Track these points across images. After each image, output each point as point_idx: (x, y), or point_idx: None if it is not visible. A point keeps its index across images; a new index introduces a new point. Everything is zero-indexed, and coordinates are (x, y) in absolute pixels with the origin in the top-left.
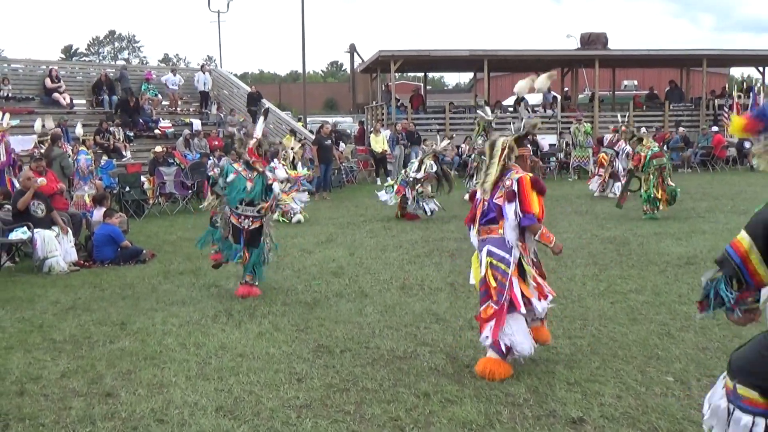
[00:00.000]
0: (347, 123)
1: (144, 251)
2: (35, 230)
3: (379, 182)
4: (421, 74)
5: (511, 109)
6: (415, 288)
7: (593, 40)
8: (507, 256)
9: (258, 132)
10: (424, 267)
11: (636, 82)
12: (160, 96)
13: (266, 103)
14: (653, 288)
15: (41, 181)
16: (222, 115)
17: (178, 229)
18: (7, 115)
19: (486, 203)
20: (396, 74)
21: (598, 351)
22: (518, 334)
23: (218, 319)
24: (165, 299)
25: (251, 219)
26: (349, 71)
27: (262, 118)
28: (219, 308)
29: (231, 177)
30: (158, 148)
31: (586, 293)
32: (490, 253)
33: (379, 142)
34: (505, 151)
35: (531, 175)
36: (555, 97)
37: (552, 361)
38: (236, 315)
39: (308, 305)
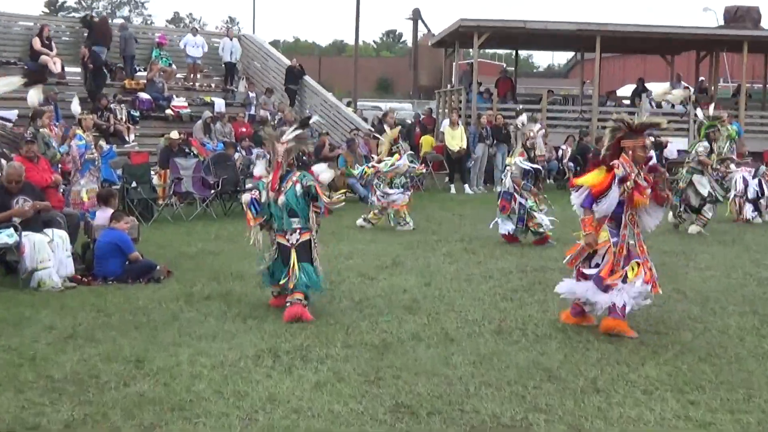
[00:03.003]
0: (406, 111)
1: (158, 267)
2: (23, 233)
3: (453, 189)
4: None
5: (627, 101)
6: (516, 333)
7: (741, 16)
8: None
9: (288, 136)
10: (525, 305)
11: None
12: (174, 66)
13: (311, 83)
14: None
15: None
16: (252, 94)
17: (197, 239)
18: None
19: None
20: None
21: None
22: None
23: (262, 360)
24: (190, 331)
25: (299, 231)
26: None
27: (297, 128)
28: (261, 346)
29: (264, 197)
30: (174, 134)
31: (746, 352)
32: None
33: (457, 137)
34: None
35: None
36: (688, 90)
37: None
38: (284, 357)
39: (377, 349)
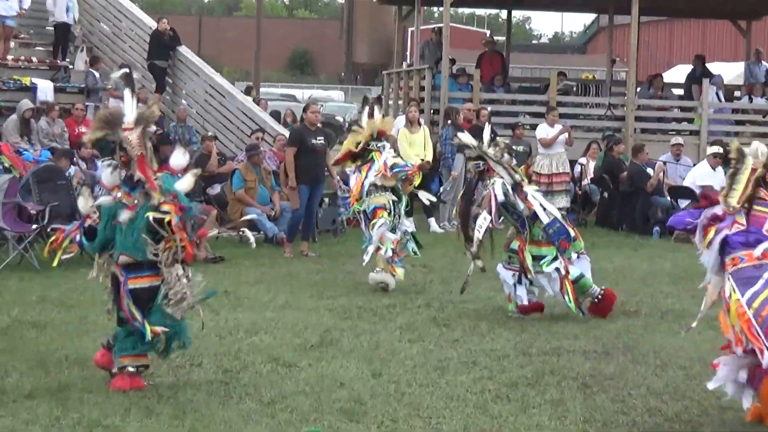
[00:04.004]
0: (335, 102)
1: None
2: None
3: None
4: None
5: (680, 90)
6: None
7: None
8: None
9: (132, 116)
10: (531, 408)
11: None
12: None
13: (189, 57)
14: None
15: None
16: (97, 74)
17: (11, 302)
18: None
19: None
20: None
21: None
22: None
23: None
24: None
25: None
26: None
27: (128, 94)
28: None
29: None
30: None
31: None
32: None
33: (418, 144)
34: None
35: None
36: None
37: None
38: None
39: None
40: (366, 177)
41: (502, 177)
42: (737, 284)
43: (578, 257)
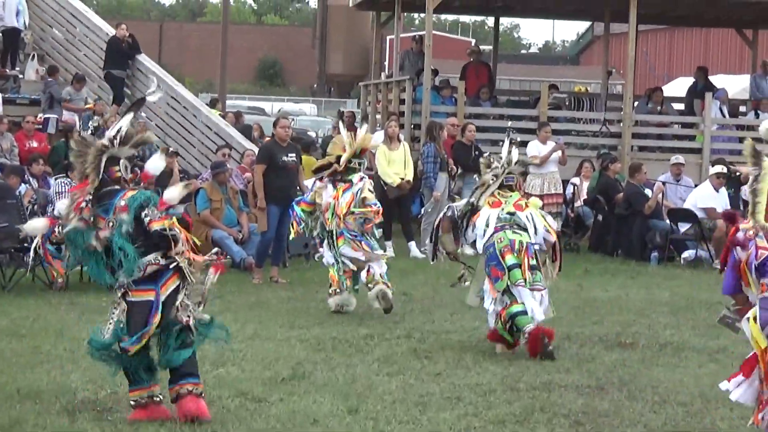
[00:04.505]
0: (307, 117)
1: None
2: None
3: (391, 251)
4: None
5: (680, 105)
6: None
7: None
8: None
9: (122, 124)
10: None
11: None
12: None
13: (150, 66)
14: None
15: None
16: (51, 80)
17: None
18: None
19: None
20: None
21: None
22: None
23: None
24: None
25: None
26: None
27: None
28: None
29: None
30: None
31: None
32: None
33: (397, 162)
34: None
35: None
36: None
37: None
38: None
39: None
40: (342, 196)
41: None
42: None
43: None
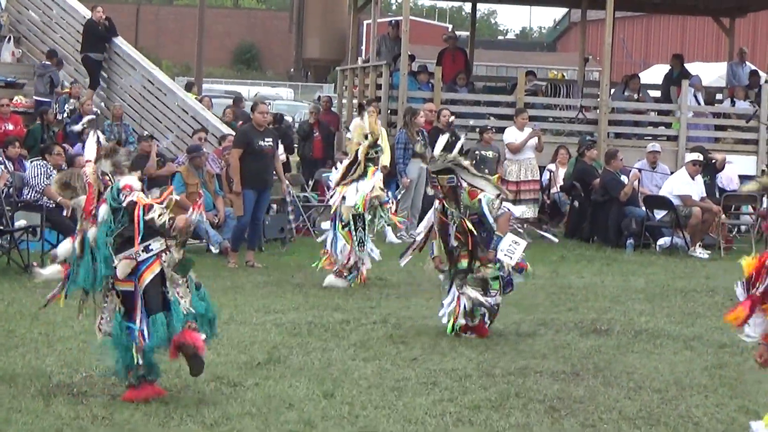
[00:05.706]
0: (284, 101)
1: None
2: None
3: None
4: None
5: (657, 92)
6: None
7: None
8: None
9: (89, 154)
10: None
11: None
12: None
13: (126, 49)
14: None
15: None
16: (49, 65)
17: None
18: None
19: None
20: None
21: None
22: None
23: None
24: None
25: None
26: None
27: (92, 136)
28: None
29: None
30: None
31: None
32: None
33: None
34: None
35: None
36: (756, 74)
37: None
38: None
39: None
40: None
41: (484, 190)
42: None
43: None
